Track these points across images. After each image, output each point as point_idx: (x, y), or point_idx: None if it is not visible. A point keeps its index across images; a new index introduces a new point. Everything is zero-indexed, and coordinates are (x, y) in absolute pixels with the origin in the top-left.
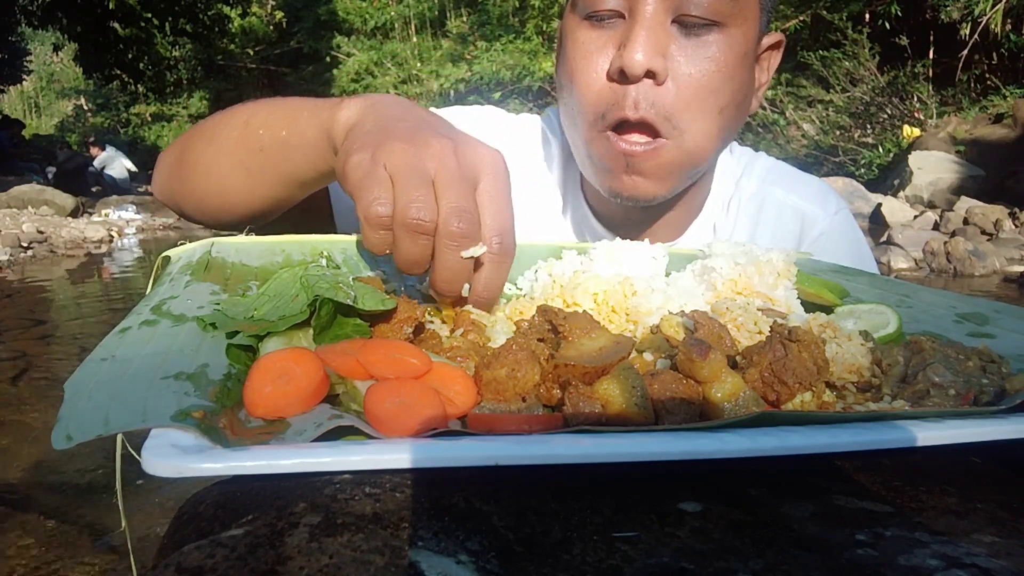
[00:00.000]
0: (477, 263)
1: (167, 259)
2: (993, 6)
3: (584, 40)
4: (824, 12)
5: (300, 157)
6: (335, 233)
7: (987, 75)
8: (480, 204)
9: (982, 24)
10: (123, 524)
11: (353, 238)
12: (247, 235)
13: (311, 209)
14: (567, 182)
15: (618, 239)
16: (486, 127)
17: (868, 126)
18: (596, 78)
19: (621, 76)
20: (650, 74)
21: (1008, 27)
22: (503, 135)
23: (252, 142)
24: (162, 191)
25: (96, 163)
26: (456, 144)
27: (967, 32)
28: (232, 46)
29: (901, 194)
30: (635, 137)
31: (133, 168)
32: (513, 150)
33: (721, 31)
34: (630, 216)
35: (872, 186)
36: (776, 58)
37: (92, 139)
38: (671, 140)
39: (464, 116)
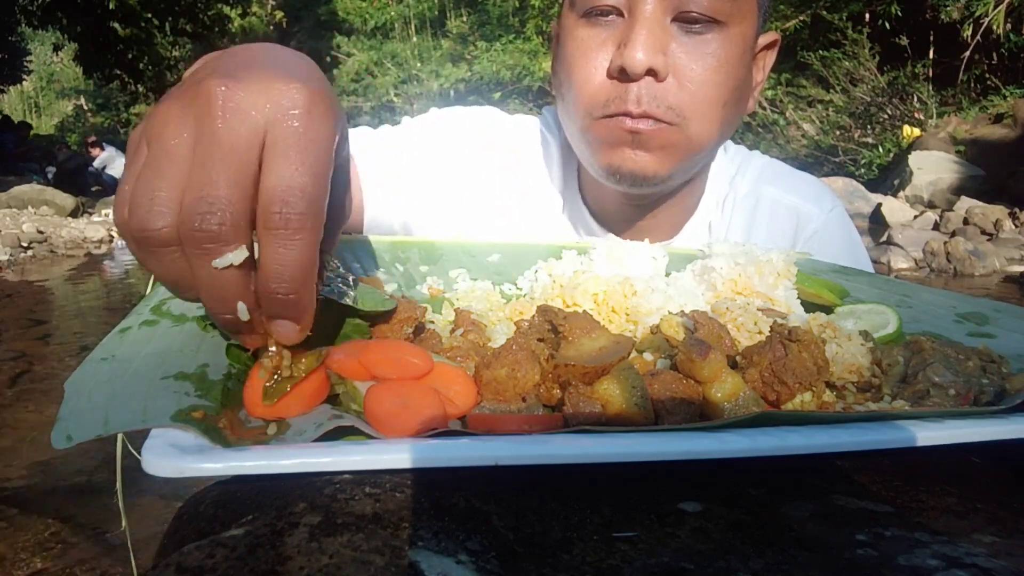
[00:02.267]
0: (261, 242)
1: None
2: (995, 6)
3: (583, 37)
4: (824, 12)
5: None
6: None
7: (987, 75)
8: (263, 164)
9: (984, 24)
10: (123, 524)
11: (353, 238)
12: None
13: None
14: (565, 181)
15: (614, 237)
16: (485, 128)
17: (868, 126)
18: (595, 74)
19: (622, 74)
20: (651, 72)
21: (1008, 27)
22: (502, 136)
23: None
24: None
25: (96, 163)
26: (240, 84)
27: (969, 33)
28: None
29: (901, 194)
30: (640, 122)
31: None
32: (513, 151)
33: (721, 29)
34: (627, 214)
35: (872, 186)
36: (771, 58)
37: (92, 139)
38: (676, 125)
39: (464, 117)
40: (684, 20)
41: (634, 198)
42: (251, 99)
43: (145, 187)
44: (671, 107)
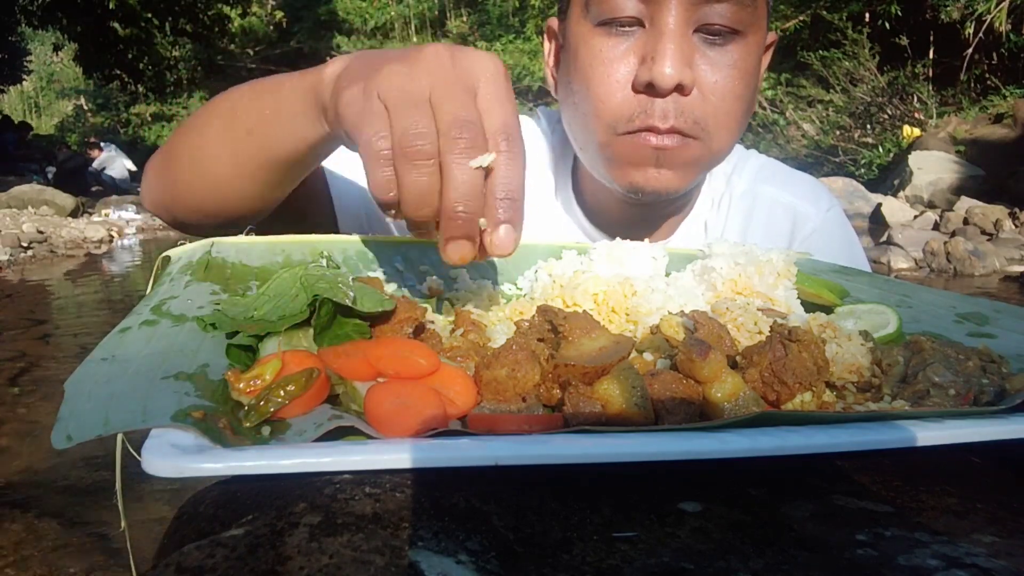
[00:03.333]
0: (488, 174)
1: (167, 259)
2: (997, 4)
3: (601, 48)
4: (824, 12)
5: (288, 130)
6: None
7: (987, 75)
8: (481, 110)
9: (986, 23)
10: (123, 524)
11: (354, 238)
12: (247, 235)
13: (311, 212)
14: (558, 183)
15: (606, 239)
16: None
17: (868, 126)
18: (618, 87)
19: (649, 89)
20: (678, 87)
21: (1008, 27)
22: None
23: (238, 127)
24: (151, 198)
25: (96, 164)
26: (451, 51)
27: (971, 31)
28: (232, 46)
29: (901, 194)
30: (666, 138)
31: (133, 168)
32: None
33: (739, 39)
34: (624, 216)
35: (872, 186)
36: (768, 58)
37: (92, 140)
38: (700, 139)
39: None
40: (706, 32)
41: (635, 203)
42: (469, 60)
43: (403, 120)
44: (697, 121)
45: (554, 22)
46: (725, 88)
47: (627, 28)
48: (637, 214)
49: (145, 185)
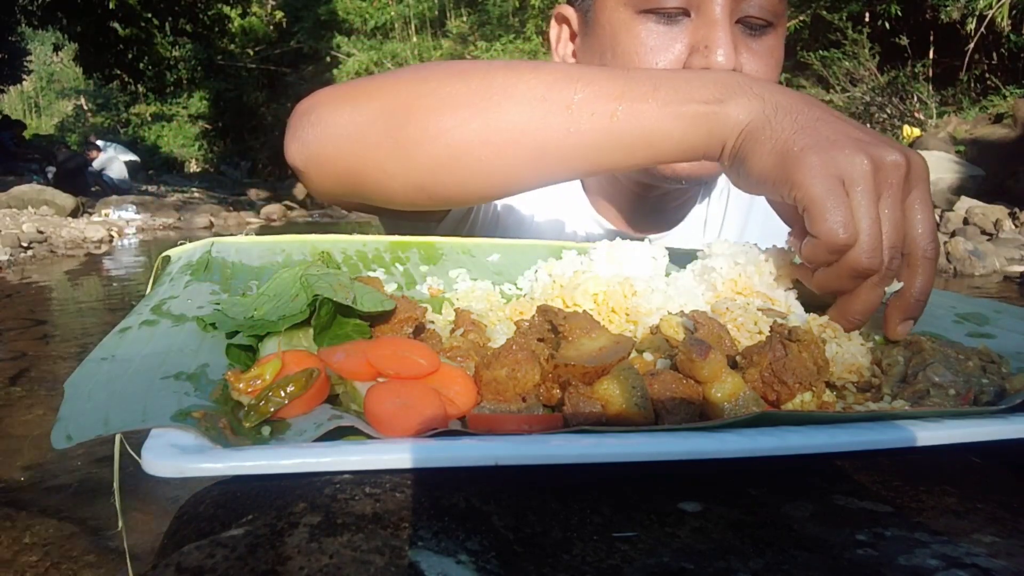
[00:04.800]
0: (910, 271)
1: (167, 259)
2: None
3: (646, 35)
4: (824, 12)
5: (645, 156)
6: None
7: (987, 75)
8: (911, 213)
9: (988, 18)
10: (120, 524)
11: (354, 238)
12: (246, 235)
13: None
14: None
15: (614, 229)
16: None
17: (868, 126)
18: None
19: None
20: None
21: (1009, 26)
22: None
23: (581, 152)
24: (327, 157)
25: (96, 164)
26: (906, 158)
27: (972, 27)
28: (232, 46)
29: None
30: None
31: (136, 158)
32: None
33: (773, 30)
34: (631, 206)
35: None
36: None
37: (92, 139)
38: None
39: None
40: (746, 23)
41: (649, 188)
42: (914, 169)
43: (872, 237)
44: None
45: (566, 9)
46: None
47: (673, 16)
48: (642, 206)
49: (324, 137)
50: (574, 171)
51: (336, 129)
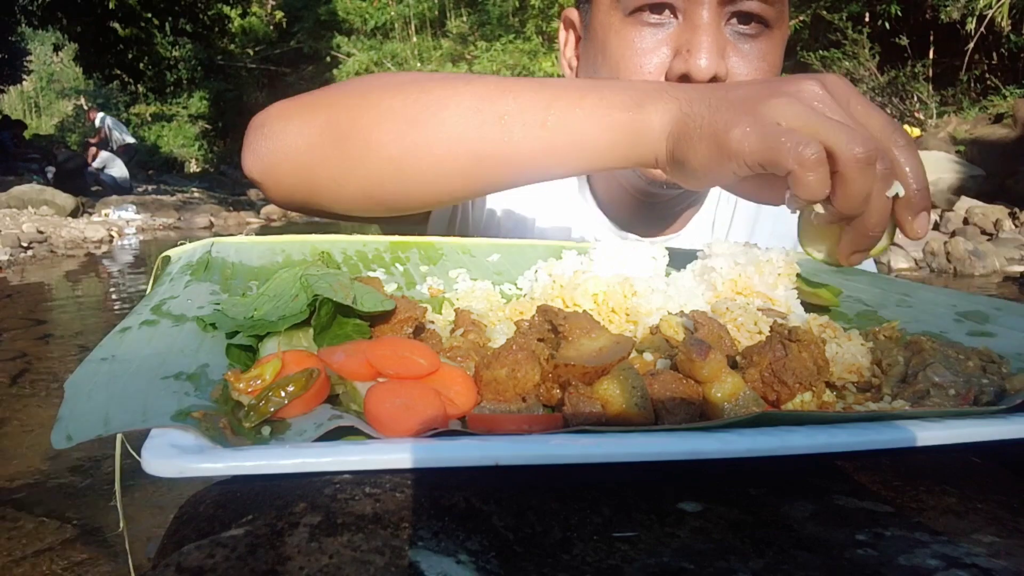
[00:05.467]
0: (896, 167)
1: (167, 259)
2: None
3: (633, 38)
4: (824, 12)
5: (577, 164)
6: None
7: (987, 75)
8: (859, 116)
9: (987, 18)
10: (121, 524)
11: (354, 238)
12: (246, 235)
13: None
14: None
15: (624, 235)
16: None
17: None
18: (651, 77)
19: (684, 80)
20: (713, 79)
21: (1009, 26)
22: None
23: (511, 165)
24: (280, 170)
25: (96, 163)
26: (820, 79)
27: (972, 27)
28: (232, 46)
29: None
30: None
31: (132, 140)
32: None
33: (768, 33)
34: (637, 209)
35: None
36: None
37: (92, 113)
38: None
39: None
40: (737, 25)
41: (652, 196)
42: (829, 82)
43: (838, 130)
44: None
45: (572, 12)
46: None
47: (660, 19)
48: (649, 208)
49: (276, 149)
50: (512, 178)
51: (287, 142)
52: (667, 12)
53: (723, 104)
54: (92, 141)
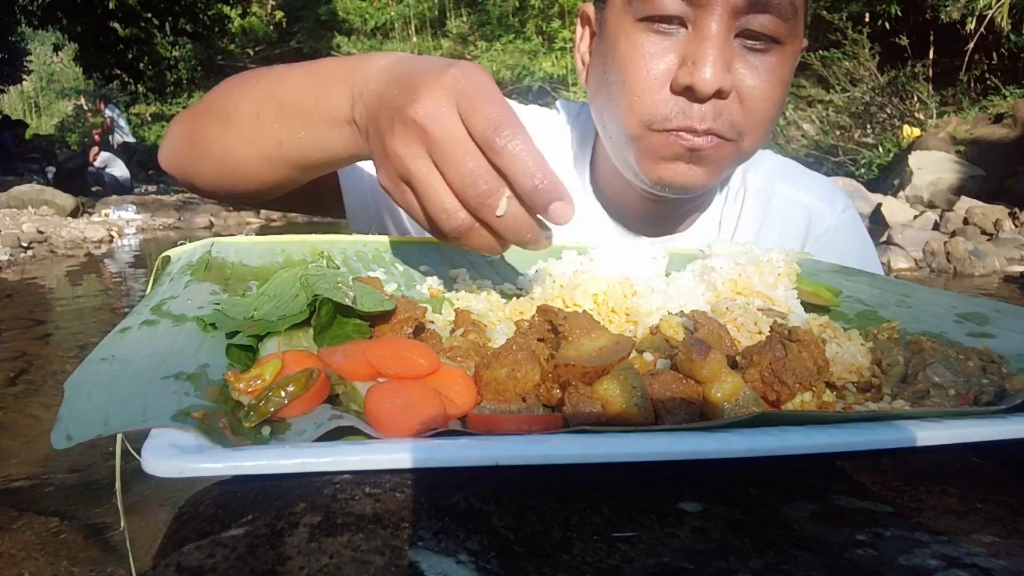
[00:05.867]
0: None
1: (167, 259)
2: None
3: (642, 43)
4: (824, 12)
5: (321, 148)
6: (341, 206)
7: (987, 75)
8: (467, 123)
9: (987, 18)
10: (122, 524)
11: (354, 238)
12: (246, 235)
13: (325, 194)
14: (578, 174)
15: (629, 235)
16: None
17: (868, 126)
18: (656, 85)
19: (688, 92)
20: (718, 92)
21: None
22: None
23: (269, 137)
24: (171, 165)
25: (97, 162)
26: (441, 90)
27: (972, 27)
28: (232, 46)
29: (901, 194)
30: (702, 139)
31: (132, 139)
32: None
33: (779, 48)
34: (643, 211)
35: (872, 186)
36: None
37: (100, 104)
38: (733, 141)
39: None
40: (746, 38)
41: (657, 198)
42: (430, 101)
43: (436, 205)
44: (732, 124)
45: (589, 8)
46: (762, 94)
47: (670, 27)
48: (655, 209)
49: (164, 149)
50: (305, 175)
51: (171, 144)
52: (677, 22)
53: (371, 111)
54: (96, 133)
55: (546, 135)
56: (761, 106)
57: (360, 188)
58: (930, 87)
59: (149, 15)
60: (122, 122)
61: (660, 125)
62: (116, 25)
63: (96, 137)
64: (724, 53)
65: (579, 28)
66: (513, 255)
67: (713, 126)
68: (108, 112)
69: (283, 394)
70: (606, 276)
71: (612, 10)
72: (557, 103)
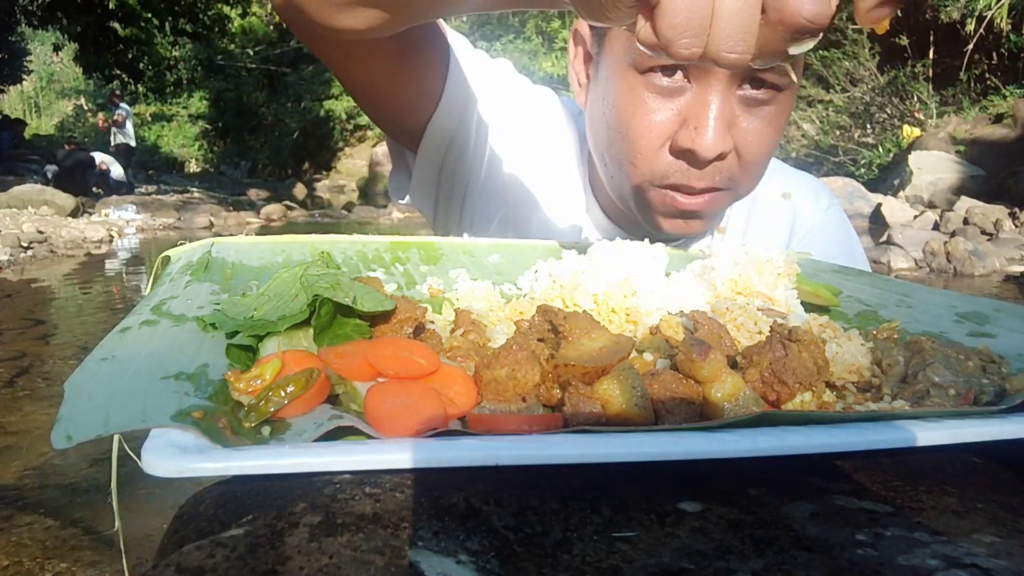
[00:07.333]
0: None
1: (167, 259)
2: (997, 1)
3: (645, 100)
4: None
5: None
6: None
7: (987, 75)
8: None
9: (987, 18)
10: (116, 524)
11: (354, 238)
12: (246, 235)
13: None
14: (582, 176)
15: (620, 237)
16: (509, 77)
17: (868, 126)
18: (657, 143)
19: (688, 153)
20: (719, 156)
21: (1009, 26)
22: (528, 94)
23: None
24: None
25: (99, 161)
26: None
27: (972, 28)
28: (232, 46)
29: (901, 194)
30: (699, 198)
31: (134, 143)
32: (542, 120)
33: (779, 97)
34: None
35: (872, 186)
36: None
37: (115, 97)
38: (729, 191)
39: (484, 58)
40: (749, 90)
41: None
42: None
43: None
44: (731, 178)
45: (584, 28)
46: (761, 147)
47: (672, 82)
48: None
49: None
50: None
51: None
52: (679, 74)
53: None
54: (109, 121)
55: (557, 123)
56: (759, 156)
57: (429, 172)
58: (930, 87)
59: (149, 15)
60: (129, 124)
61: (659, 181)
62: (116, 25)
63: (102, 125)
64: (724, 114)
65: (572, 46)
66: (513, 255)
67: (711, 183)
68: (123, 108)
69: (283, 394)
70: (606, 276)
71: (611, 56)
72: (561, 99)
